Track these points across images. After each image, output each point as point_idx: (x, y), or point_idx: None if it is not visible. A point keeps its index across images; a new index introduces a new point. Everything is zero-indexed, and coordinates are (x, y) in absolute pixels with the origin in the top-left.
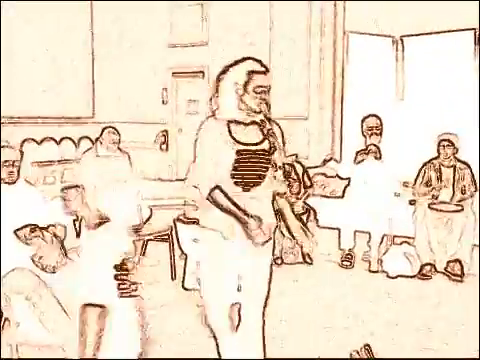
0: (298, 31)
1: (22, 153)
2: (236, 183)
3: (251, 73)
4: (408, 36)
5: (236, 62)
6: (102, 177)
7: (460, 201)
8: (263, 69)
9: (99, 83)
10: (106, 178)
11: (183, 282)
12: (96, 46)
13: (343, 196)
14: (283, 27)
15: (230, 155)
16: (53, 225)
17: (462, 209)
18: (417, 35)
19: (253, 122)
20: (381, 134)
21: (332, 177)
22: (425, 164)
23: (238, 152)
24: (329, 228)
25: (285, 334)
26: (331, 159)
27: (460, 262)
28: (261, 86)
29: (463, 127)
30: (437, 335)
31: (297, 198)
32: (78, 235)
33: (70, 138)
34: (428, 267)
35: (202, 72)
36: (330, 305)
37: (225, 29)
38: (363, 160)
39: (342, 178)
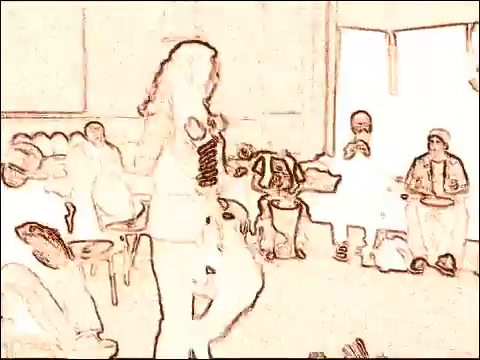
0: (291, 26)
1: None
2: (200, 184)
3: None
4: (401, 31)
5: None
6: (91, 172)
7: (451, 196)
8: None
9: (91, 77)
10: (95, 172)
11: None
12: (88, 40)
13: (335, 191)
14: (276, 22)
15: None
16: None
17: (453, 204)
18: (410, 30)
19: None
20: (371, 130)
21: (325, 172)
22: (417, 159)
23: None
24: (322, 223)
25: (278, 328)
26: (324, 154)
27: (452, 257)
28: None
29: (455, 122)
30: (431, 330)
31: (289, 193)
32: (70, 231)
33: (62, 133)
34: (420, 261)
35: None
36: (323, 299)
37: (217, 24)
38: (352, 156)
39: (332, 175)
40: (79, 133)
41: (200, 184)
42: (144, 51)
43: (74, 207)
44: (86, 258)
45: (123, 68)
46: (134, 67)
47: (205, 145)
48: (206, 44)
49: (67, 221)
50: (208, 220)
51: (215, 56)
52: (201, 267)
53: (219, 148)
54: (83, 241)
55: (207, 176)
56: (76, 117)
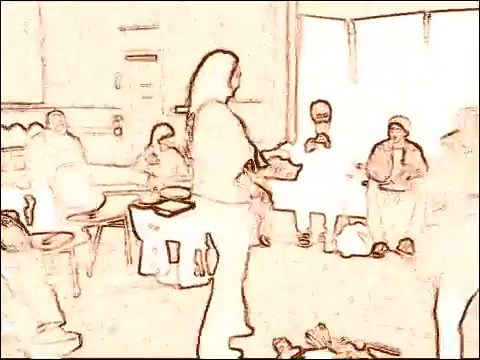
0: (251, 14)
1: None
2: None
3: (236, 62)
4: (360, 19)
5: (210, 53)
6: (51, 162)
7: (410, 181)
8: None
9: (49, 67)
10: (55, 163)
11: (139, 267)
12: (45, 29)
13: (296, 179)
14: (236, 10)
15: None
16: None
17: (411, 189)
18: (368, 18)
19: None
20: (330, 120)
21: (286, 160)
22: (376, 146)
23: None
24: (285, 210)
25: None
26: (286, 142)
27: (411, 241)
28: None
29: (414, 109)
30: (392, 312)
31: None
32: (30, 224)
33: (20, 124)
34: (380, 246)
35: (155, 56)
36: (287, 286)
37: (177, 13)
38: (313, 149)
39: (294, 164)
40: (38, 124)
41: None
42: (102, 42)
43: (34, 199)
44: (47, 250)
45: (81, 59)
46: (92, 58)
47: None
48: (228, 52)
49: (26, 213)
50: None
51: (236, 61)
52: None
53: None
54: (44, 233)
55: None
56: (35, 108)
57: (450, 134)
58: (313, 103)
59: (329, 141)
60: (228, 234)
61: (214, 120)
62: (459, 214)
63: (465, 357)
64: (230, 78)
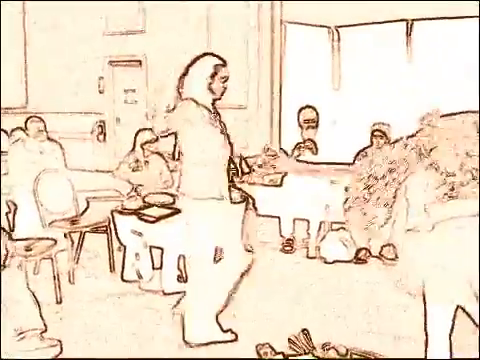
0: (236, 21)
1: None
2: None
3: (218, 66)
4: (343, 27)
5: (197, 58)
6: (32, 168)
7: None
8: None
9: (32, 72)
10: (36, 169)
11: (122, 274)
12: (29, 34)
13: (281, 185)
14: (221, 17)
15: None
16: None
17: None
18: (352, 26)
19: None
20: (317, 126)
21: (271, 166)
22: (359, 153)
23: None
24: (269, 216)
25: (226, 322)
26: (269, 149)
27: (393, 246)
28: (224, 77)
29: (395, 115)
30: (375, 318)
31: (234, 186)
32: (12, 229)
33: (2, 129)
34: (363, 251)
35: (139, 61)
36: (270, 292)
37: (162, 18)
38: (299, 155)
39: (279, 171)
40: (21, 129)
41: None
42: (85, 47)
43: (15, 205)
44: (28, 256)
45: (64, 64)
46: (76, 63)
47: None
48: (216, 56)
49: (8, 219)
50: None
51: (220, 65)
52: None
53: None
54: (25, 239)
55: None
56: (17, 113)
57: (411, 136)
58: (302, 109)
59: (316, 148)
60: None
61: (183, 116)
62: (438, 219)
63: (465, 357)
64: (210, 81)
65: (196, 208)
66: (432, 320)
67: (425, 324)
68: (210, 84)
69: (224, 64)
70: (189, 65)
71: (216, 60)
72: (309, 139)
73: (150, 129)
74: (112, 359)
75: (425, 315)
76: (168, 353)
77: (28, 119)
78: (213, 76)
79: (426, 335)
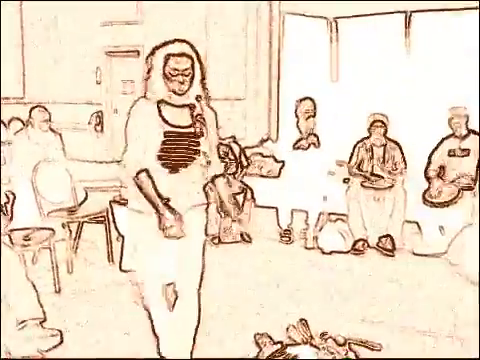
0: (234, 11)
1: None
2: (163, 165)
3: (168, 56)
4: (342, 18)
5: (163, 44)
6: (34, 158)
7: (391, 179)
8: (179, 52)
9: (29, 63)
10: (37, 159)
11: (120, 264)
12: (26, 25)
13: (279, 176)
14: (219, 7)
15: (158, 136)
16: None
17: (392, 186)
18: (350, 17)
19: (184, 105)
20: (315, 116)
21: (269, 157)
22: (357, 144)
23: (166, 133)
24: (267, 207)
25: (225, 312)
26: (268, 139)
27: (391, 237)
28: (176, 69)
29: (394, 107)
30: (373, 308)
31: (234, 178)
32: (10, 219)
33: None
34: (361, 242)
35: (137, 51)
36: (268, 282)
37: (160, 10)
38: (299, 148)
39: (278, 161)
40: (18, 119)
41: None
42: (83, 37)
43: (14, 194)
44: (27, 246)
45: (62, 55)
46: (73, 53)
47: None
48: (179, 40)
49: (7, 208)
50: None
51: (172, 55)
52: None
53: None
54: (24, 229)
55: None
56: (15, 103)
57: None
58: (300, 100)
59: (318, 141)
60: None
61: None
62: None
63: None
64: (164, 73)
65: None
66: None
67: None
68: (166, 77)
69: (181, 54)
70: (151, 53)
71: (171, 48)
72: (311, 133)
73: None
74: (111, 359)
75: None
76: None
77: (33, 109)
78: (163, 68)
79: None
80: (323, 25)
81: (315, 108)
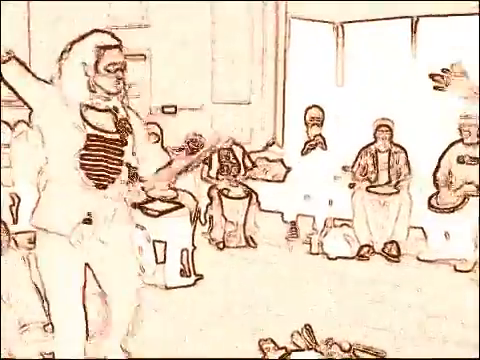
0: (240, 15)
1: None
2: (88, 176)
3: (101, 49)
4: (348, 23)
5: (82, 37)
6: (35, 161)
7: (396, 184)
8: (115, 43)
9: (35, 66)
10: (39, 161)
11: None
12: (32, 28)
13: (284, 180)
14: (225, 11)
15: (78, 139)
16: None
17: (398, 192)
18: (357, 22)
19: (107, 110)
20: (322, 124)
21: (274, 161)
22: (362, 149)
23: (88, 137)
24: (272, 211)
25: (229, 317)
26: (273, 143)
27: (396, 243)
28: (114, 63)
29: (400, 112)
30: (377, 315)
31: (235, 181)
32: (15, 221)
33: (6, 122)
34: (366, 248)
35: (144, 55)
36: (272, 287)
37: (165, 11)
38: (307, 151)
39: (286, 167)
40: (23, 122)
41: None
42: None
43: (18, 197)
44: (31, 249)
45: None
46: None
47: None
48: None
49: (12, 211)
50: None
51: (106, 47)
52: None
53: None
54: (28, 231)
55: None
56: (20, 106)
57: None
58: (308, 108)
59: (325, 144)
60: None
61: None
62: None
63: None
64: (96, 70)
65: None
66: None
67: None
68: (93, 77)
69: (115, 45)
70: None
71: (104, 40)
72: (319, 135)
73: (155, 123)
74: None
75: None
76: (167, 347)
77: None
78: (96, 63)
79: None
80: (329, 30)
81: (323, 116)
